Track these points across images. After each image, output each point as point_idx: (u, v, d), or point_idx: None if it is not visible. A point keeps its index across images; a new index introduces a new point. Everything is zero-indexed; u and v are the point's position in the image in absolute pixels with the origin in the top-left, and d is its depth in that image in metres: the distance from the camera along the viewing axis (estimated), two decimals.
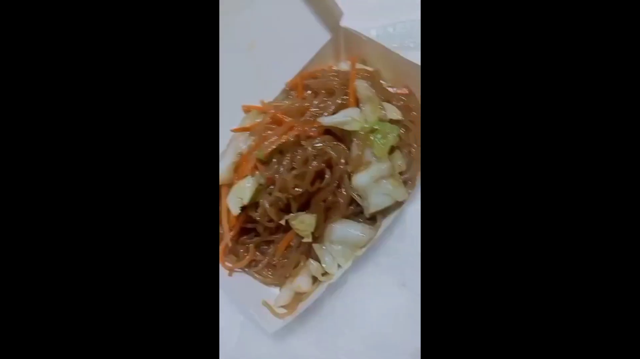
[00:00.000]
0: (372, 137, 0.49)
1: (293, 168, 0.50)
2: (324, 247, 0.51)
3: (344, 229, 0.50)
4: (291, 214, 0.51)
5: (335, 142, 0.50)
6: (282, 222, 0.51)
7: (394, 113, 0.51)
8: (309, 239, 0.50)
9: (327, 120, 0.50)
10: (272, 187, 0.51)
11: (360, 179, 0.49)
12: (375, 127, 0.49)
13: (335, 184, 0.50)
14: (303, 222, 0.50)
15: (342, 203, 0.50)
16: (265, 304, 0.52)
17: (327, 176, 0.50)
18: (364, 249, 0.50)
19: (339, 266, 0.51)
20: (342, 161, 0.49)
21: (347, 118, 0.50)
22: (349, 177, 0.50)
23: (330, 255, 0.51)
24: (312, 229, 0.50)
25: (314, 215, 0.50)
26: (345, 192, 0.50)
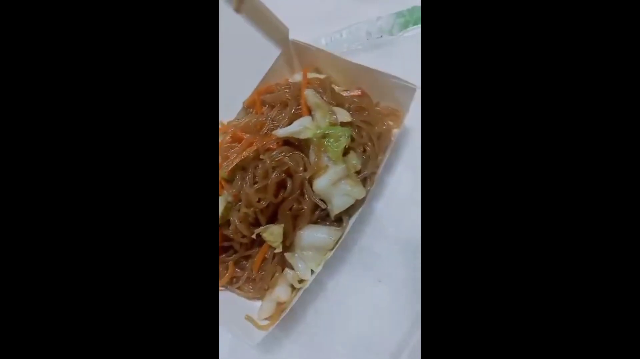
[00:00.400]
0: (325, 142, 0.50)
1: (255, 182, 0.51)
2: (295, 255, 0.52)
3: (311, 235, 0.51)
4: (261, 227, 0.52)
5: (292, 152, 0.52)
6: (254, 236, 0.53)
7: (344, 116, 0.52)
8: (280, 249, 0.52)
9: (281, 132, 0.52)
10: (239, 204, 0.53)
11: (320, 184, 0.50)
12: (327, 132, 0.51)
13: (297, 192, 0.51)
14: (272, 234, 0.51)
15: (307, 209, 0.51)
16: (249, 318, 0.53)
17: (288, 185, 0.51)
18: (332, 252, 0.51)
19: (312, 271, 0.52)
20: (301, 168, 0.51)
21: (300, 127, 0.51)
22: (310, 184, 0.51)
23: (303, 261, 0.52)
24: (281, 239, 0.51)
25: (281, 225, 0.51)
26: (308, 199, 0.51)
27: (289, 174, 0.51)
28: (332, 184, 0.50)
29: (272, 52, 0.60)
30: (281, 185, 0.52)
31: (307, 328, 0.55)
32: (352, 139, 0.52)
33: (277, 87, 0.59)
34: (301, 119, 0.53)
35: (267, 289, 0.54)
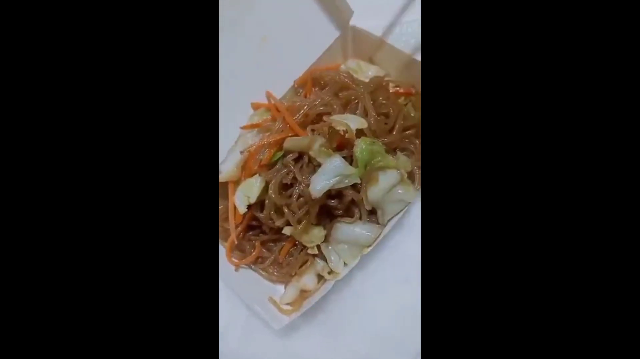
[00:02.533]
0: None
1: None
2: (329, 247, 0.52)
3: (350, 229, 0.51)
4: (292, 229, 0.50)
5: None
6: (287, 233, 0.51)
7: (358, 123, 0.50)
8: (315, 251, 0.51)
9: (319, 188, 0.47)
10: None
11: (373, 194, 0.49)
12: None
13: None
14: (311, 236, 0.51)
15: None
16: (272, 301, 0.52)
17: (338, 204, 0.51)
18: (370, 248, 0.51)
19: (345, 264, 0.51)
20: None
21: (338, 177, 0.48)
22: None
23: (337, 254, 0.51)
24: (319, 242, 0.51)
25: (322, 229, 0.51)
26: (358, 211, 0.51)
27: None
28: (385, 192, 0.49)
29: (328, 34, 0.58)
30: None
31: (327, 319, 0.54)
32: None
33: (328, 73, 0.57)
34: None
35: (294, 275, 0.54)
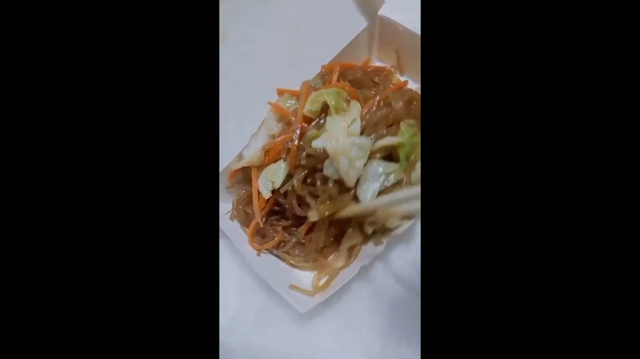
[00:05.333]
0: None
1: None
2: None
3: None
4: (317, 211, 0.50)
5: None
6: (313, 218, 0.50)
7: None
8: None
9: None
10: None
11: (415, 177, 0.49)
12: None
13: None
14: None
15: None
16: (294, 287, 0.52)
17: None
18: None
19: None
20: None
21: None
22: None
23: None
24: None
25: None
26: None
27: None
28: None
29: (357, 23, 0.58)
30: None
31: (340, 312, 0.54)
32: None
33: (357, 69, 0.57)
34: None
35: (321, 251, 0.54)
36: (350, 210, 0.48)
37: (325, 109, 0.51)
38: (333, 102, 0.50)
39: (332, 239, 0.54)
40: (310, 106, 0.51)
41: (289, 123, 0.53)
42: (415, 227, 0.54)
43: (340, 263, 0.52)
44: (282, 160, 0.53)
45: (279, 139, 0.53)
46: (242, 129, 0.56)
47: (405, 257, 0.54)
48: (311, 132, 0.50)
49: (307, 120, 0.52)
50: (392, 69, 0.62)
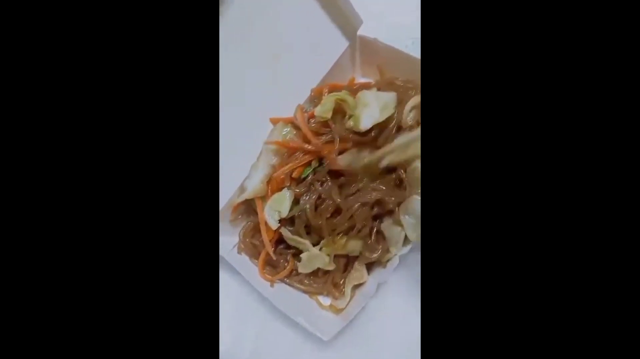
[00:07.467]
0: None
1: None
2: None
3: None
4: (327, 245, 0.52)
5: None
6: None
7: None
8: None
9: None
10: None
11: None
12: None
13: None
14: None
15: None
16: (318, 302, 0.55)
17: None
18: None
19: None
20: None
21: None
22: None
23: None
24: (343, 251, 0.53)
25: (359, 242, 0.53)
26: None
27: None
28: None
29: (338, 44, 0.59)
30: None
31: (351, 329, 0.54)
32: None
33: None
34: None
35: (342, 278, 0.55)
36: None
37: (337, 110, 0.53)
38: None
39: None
40: (321, 110, 0.53)
41: (292, 149, 0.54)
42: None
43: (343, 304, 0.53)
44: (286, 189, 0.54)
45: (287, 167, 0.54)
46: (238, 161, 0.56)
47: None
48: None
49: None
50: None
